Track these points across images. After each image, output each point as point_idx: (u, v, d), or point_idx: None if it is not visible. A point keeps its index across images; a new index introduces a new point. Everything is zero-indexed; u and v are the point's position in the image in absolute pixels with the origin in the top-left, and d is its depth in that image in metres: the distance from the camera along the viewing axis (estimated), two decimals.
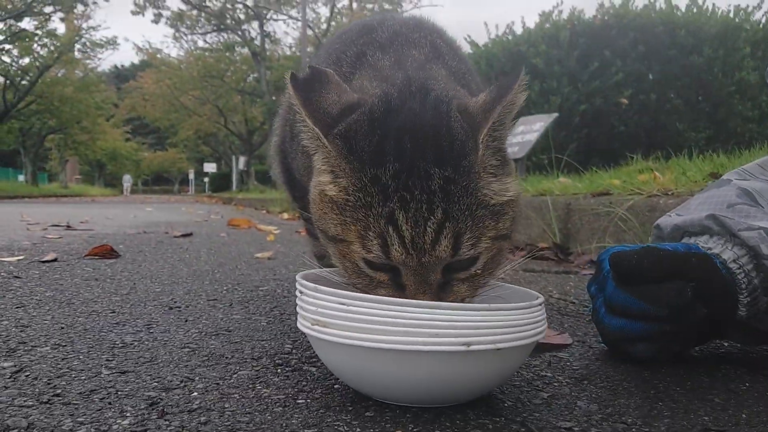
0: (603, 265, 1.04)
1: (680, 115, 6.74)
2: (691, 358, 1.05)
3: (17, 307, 1.37)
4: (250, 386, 0.85)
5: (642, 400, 0.82)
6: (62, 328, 1.18)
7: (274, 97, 24.86)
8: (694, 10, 6.92)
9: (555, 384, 0.88)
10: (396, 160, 0.73)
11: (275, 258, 2.54)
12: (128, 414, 0.74)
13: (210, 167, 31.98)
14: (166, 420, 0.72)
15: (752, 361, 1.05)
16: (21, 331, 1.14)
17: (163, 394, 0.82)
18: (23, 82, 21.89)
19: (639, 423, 0.73)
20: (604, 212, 2.69)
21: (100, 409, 0.75)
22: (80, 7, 22.66)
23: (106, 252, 2.47)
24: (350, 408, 0.77)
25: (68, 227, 4.18)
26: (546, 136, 5.26)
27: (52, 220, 4.88)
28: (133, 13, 23.84)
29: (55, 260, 2.26)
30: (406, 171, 0.72)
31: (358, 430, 0.70)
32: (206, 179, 34.80)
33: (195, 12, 25.34)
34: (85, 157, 34.44)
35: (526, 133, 5.72)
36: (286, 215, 6.88)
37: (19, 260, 2.24)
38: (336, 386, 0.85)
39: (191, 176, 36.99)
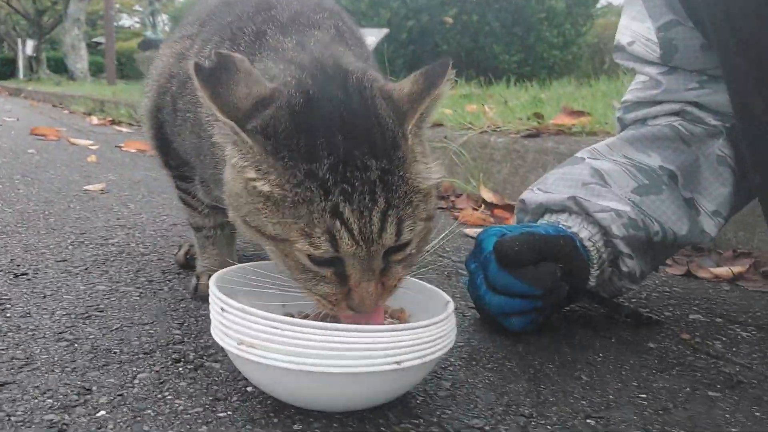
0: (483, 246, 1.13)
1: (496, 38, 7.12)
2: (548, 323, 1.19)
3: None
4: (159, 396, 0.82)
5: (528, 384, 0.92)
6: None
7: None
8: None
9: (450, 368, 0.96)
10: (330, 153, 0.72)
11: (109, 191, 2.35)
12: None
13: None
14: None
15: (593, 322, 1.22)
16: None
17: (66, 416, 0.76)
18: None
19: (535, 414, 0.83)
20: (440, 147, 2.82)
21: None
22: None
23: None
24: (276, 421, 0.78)
25: None
26: (380, 52, 5.29)
27: None
28: None
29: None
30: (342, 163, 0.72)
31: None
32: None
33: None
34: None
35: None
36: (95, 119, 6.29)
37: None
38: (248, 389, 0.85)
39: None
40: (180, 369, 0.91)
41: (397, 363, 0.73)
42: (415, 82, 0.79)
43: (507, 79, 4.27)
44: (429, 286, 0.94)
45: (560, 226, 1.17)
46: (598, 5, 8.79)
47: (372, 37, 5.71)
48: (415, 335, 0.75)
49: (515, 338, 1.09)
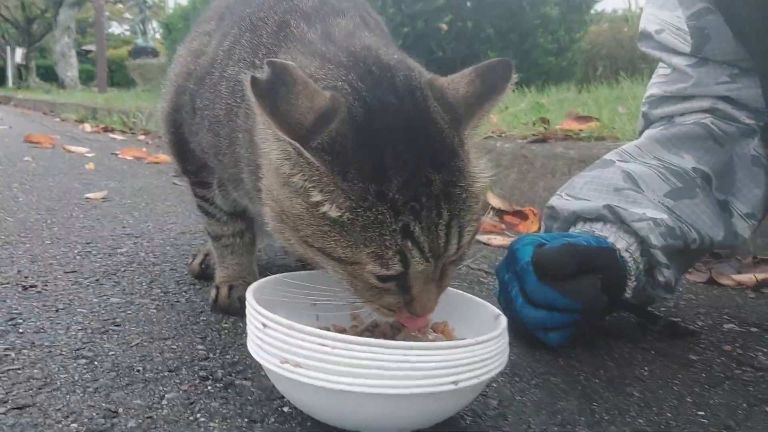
0: (518, 255, 1.08)
1: (492, 44, 7.08)
2: (581, 335, 1.14)
3: None
4: (191, 418, 0.77)
5: (578, 401, 0.87)
6: None
7: None
8: None
9: (494, 385, 0.91)
10: (398, 171, 0.69)
11: (111, 199, 2.29)
12: None
13: None
14: None
15: (626, 333, 1.17)
16: None
17: None
18: None
19: None
20: None
21: None
22: None
23: None
24: None
25: None
26: None
27: None
28: None
29: None
30: (410, 181, 0.69)
31: None
32: None
33: None
34: None
35: None
36: (88, 126, 6.21)
37: None
38: (285, 409, 0.80)
39: None
40: (209, 388, 0.85)
41: (454, 383, 0.68)
42: (471, 83, 0.75)
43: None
44: (475, 298, 0.89)
45: (597, 235, 1.12)
46: (592, 12, 8.81)
47: None
48: (472, 353, 0.70)
49: (554, 352, 1.04)
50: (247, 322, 0.76)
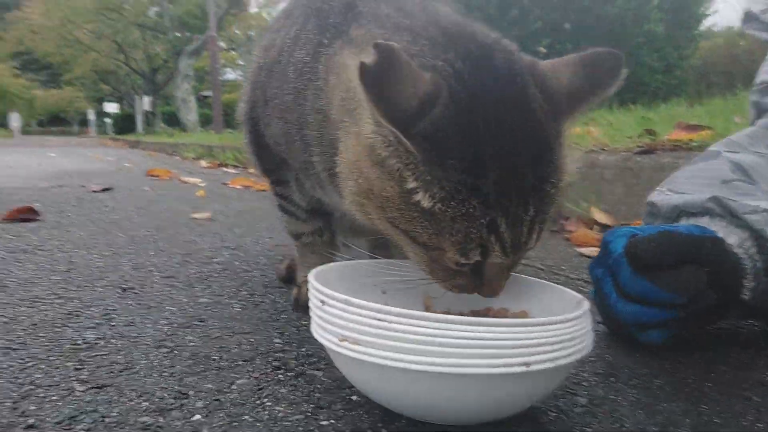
0: (611, 248, 1.00)
1: None
2: (691, 340, 1.03)
3: None
4: (257, 402, 0.75)
5: (684, 403, 0.78)
6: (5, 322, 1.03)
7: (178, 34, 23.53)
8: None
9: (584, 384, 0.84)
10: (495, 165, 0.66)
11: (216, 219, 2.38)
12: None
13: (111, 107, 30.11)
14: None
15: (746, 339, 1.05)
16: None
17: (161, 419, 0.70)
18: None
19: None
20: None
21: None
22: None
23: (25, 213, 2.22)
24: (381, 429, 0.69)
25: None
26: None
27: None
28: None
29: None
30: (505, 176, 0.66)
31: None
32: (108, 120, 32.82)
33: None
34: None
35: None
36: (203, 162, 6.58)
37: None
38: (354, 398, 0.77)
39: (91, 117, 34.71)
40: (280, 376, 0.84)
41: (526, 364, 0.62)
42: (575, 73, 0.71)
43: (609, 105, 4.07)
44: (555, 285, 0.83)
45: (711, 230, 1.02)
46: (701, 27, 8.37)
47: None
48: (546, 332, 0.64)
49: (658, 354, 0.95)
50: (310, 304, 0.74)
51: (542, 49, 6.54)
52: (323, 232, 1.16)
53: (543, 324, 0.64)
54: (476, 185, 0.65)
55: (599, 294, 1.00)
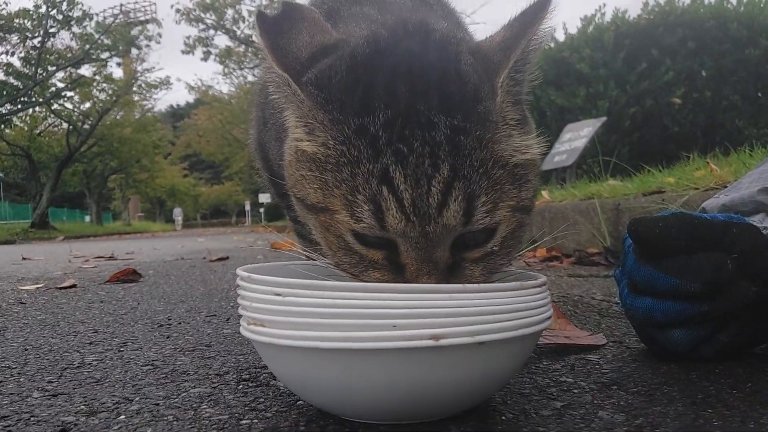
0: (626, 242, 0.86)
1: (738, 112, 6.35)
2: (758, 355, 0.84)
3: None
4: (194, 406, 0.70)
5: (685, 407, 0.63)
6: (26, 349, 1.06)
7: None
8: (746, 1, 6.54)
9: (575, 391, 0.70)
10: (388, 105, 0.58)
11: None
12: None
13: (265, 197, 32.35)
14: None
15: None
16: None
17: (83, 418, 0.67)
18: (84, 126, 22.68)
19: None
20: (656, 210, 2.47)
21: None
22: (134, 51, 23.52)
23: (127, 276, 2.38)
24: (302, 430, 0.60)
25: (110, 258, 4.17)
26: (600, 142, 5.01)
27: (101, 253, 4.89)
28: (184, 52, 24.50)
29: (72, 286, 2.18)
30: (401, 118, 0.57)
31: None
32: (262, 210, 35.32)
33: (242, 47, 25.99)
34: (145, 194, 35.46)
35: (574, 140, 5.49)
36: None
37: (37, 287, 2.18)
38: (299, 403, 0.69)
39: (247, 207, 37.58)
40: (241, 386, 0.78)
41: (434, 338, 0.52)
42: (509, 27, 0.64)
43: (750, 149, 3.68)
44: (521, 270, 0.71)
45: (741, 217, 0.85)
46: None
47: (588, 127, 5.48)
48: (463, 301, 0.53)
49: (692, 366, 0.78)
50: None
51: (676, 100, 6.17)
52: None
53: (458, 291, 0.54)
54: (362, 125, 0.58)
55: (621, 297, 0.85)
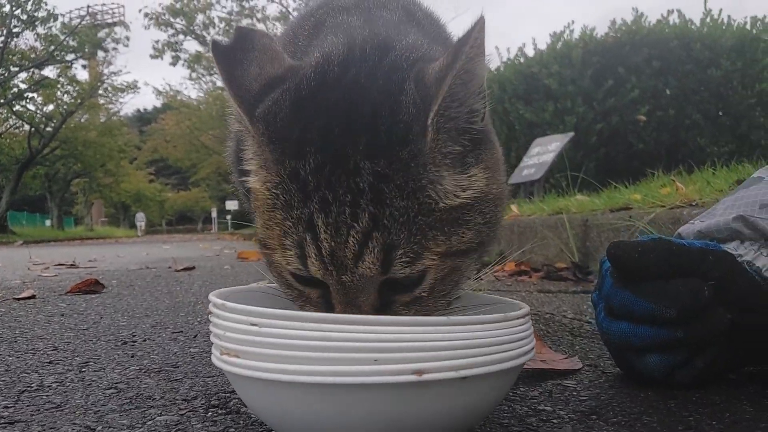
0: (603, 265, 0.86)
1: (700, 130, 6.51)
2: (734, 382, 0.84)
3: None
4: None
5: None
6: None
7: None
8: (709, 22, 6.72)
9: (554, 421, 0.69)
10: (320, 150, 0.58)
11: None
12: None
13: (232, 204, 32.02)
14: None
15: None
16: None
17: None
18: (47, 129, 22.13)
19: None
20: (623, 227, 2.50)
21: None
22: (101, 54, 23.12)
23: (89, 287, 2.31)
24: None
25: (72, 266, 4.06)
26: (568, 158, 5.08)
27: (62, 260, 4.76)
28: (152, 56, 24.27)
29: (31, 297, 2.10)
30: (329, 164, 0.57)
31: None
32: (228, 217, 34.98)
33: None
34: (110, 199, 34.80)
35: (542, 154, 5.55)
36: None
37: None
38: None
39: (214, 214, 37.13)
40: (209, 414, 0.74)
41: (417, 373, 0.50)
42: (448, 55, 0.60)
43: (713, 166, 3.76)
44: (502, 298, 0.70)
45: (717, 244, 0.86)
46: None
47: (556, 142, 5.55)
48: (446, 335, 0.52)
49: (670, 394, 0.78)
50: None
51: (642, 117, 6.29)
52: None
53: (441, 324, 0.52)
54: (295, 170, 0.58)
55: (596, 320, 0.85)
